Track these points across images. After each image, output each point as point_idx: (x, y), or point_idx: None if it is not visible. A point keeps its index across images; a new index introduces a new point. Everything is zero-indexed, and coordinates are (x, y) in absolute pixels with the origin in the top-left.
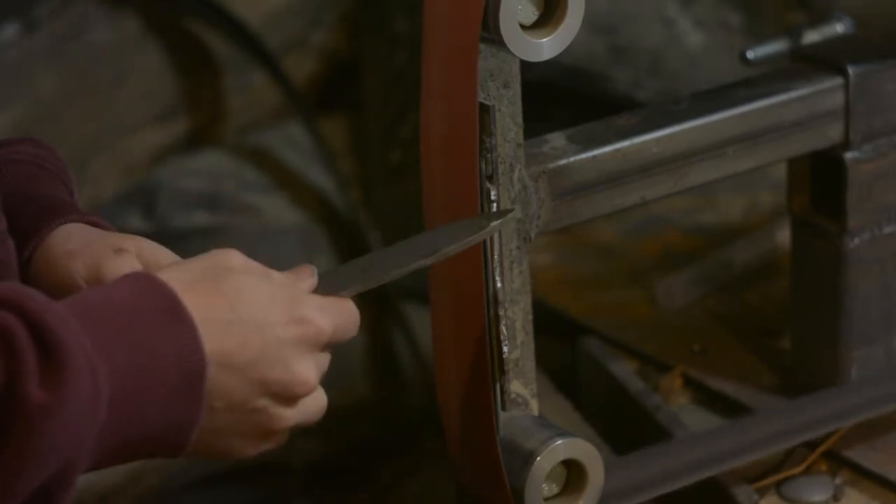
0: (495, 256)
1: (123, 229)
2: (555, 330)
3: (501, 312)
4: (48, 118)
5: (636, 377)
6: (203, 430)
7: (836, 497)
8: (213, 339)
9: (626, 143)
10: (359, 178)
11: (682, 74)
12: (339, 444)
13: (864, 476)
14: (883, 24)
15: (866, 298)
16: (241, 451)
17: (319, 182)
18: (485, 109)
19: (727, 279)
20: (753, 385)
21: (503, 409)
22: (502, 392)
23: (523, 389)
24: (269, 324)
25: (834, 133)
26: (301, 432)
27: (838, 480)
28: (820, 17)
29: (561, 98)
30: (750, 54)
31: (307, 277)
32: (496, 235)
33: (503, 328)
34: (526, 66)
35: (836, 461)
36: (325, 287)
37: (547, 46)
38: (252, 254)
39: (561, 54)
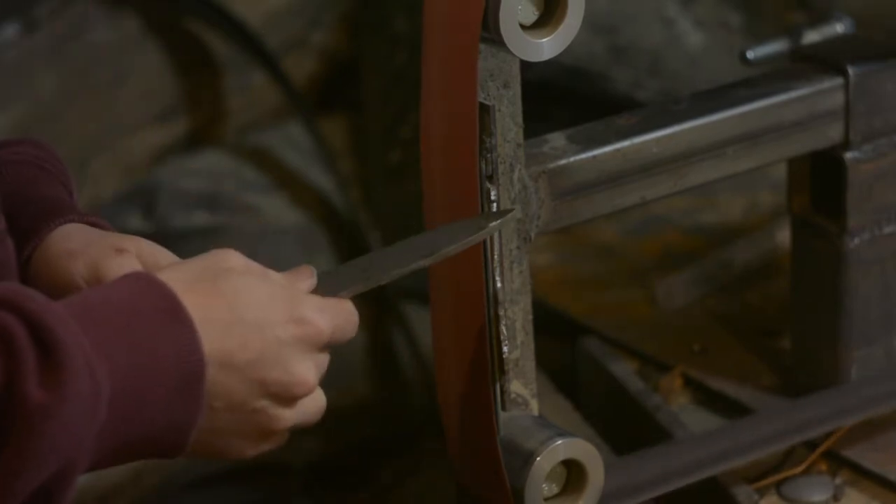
0: (495, 256)
1: (123, 229)
2: (555, 330)
3: (501, 312)
4: (48, 118)
5: (636, 377)
6: (202, 431)
7: (836, 497)
8: (213, 339)
9: (626, 143)
10: (359, 178)
11: (682, 74)
12: (339, 444)
13: (864, 476)
14: (883, 24)
15: (866, 298)
16: (241, 452)
17: (319, 182)
18: (485, 109)
19: (727, 279)
20: (753, 385)
21: (503, 409)
22: (502, 392)
23: (523, 389)
24: (269, 324)
25: (834, 133)
26: (301, 432)
27: (838, 480)
28: (820, 17)
29: (561, 98)
30: (750, 54)
31: (306, 278)
32: (496, 235)
33: (503, 328)
34: (526, 66)
35: (836, 461)
36: (325, 288)
37: (547, 46)
38: (252, 254)
39: (561, 54)
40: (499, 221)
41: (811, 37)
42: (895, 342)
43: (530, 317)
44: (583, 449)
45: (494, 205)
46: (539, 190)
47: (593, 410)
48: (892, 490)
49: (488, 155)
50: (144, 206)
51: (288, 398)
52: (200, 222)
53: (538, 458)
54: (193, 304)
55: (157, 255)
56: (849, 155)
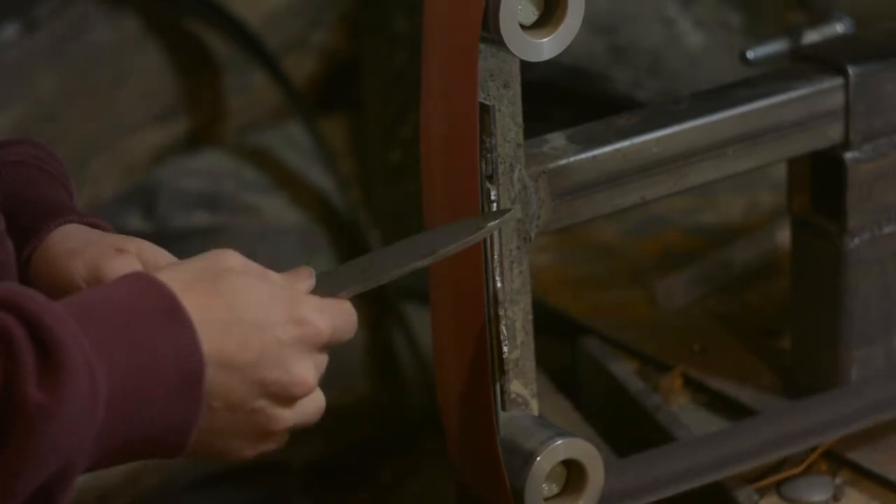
0: (495, 256)
1: (123, 229)
2: (555, 330)
3: (501, 312)
4: (48, 118)
5: (636, 377)
6: (202, 431)
7: (836, 497)
8: (212, 339)
9: (626, 143)
10: (359, 178)
11: (682, 74)
12: (339, 444)
13: (864, 476)
14: (883, 24)
15: (866, 298)
16: (240, 452)
17: (319, 182)
18: (485, 109)
19: (727, 279)
20: (754, 385)
21: (503, 409)
22: (502, 392)
23: (523, 389)
24: (269, 324)
25: (834, 133)
26: (301, 432)
27: (838, 480)
28: (820, 17)
29: (561, 98)
30: (750, 54)
31: (305, 279)
32: (496, 235)
33: (503, 328)
34: (526, 66)
35: (836, 461)
36: (324, 288)
37: (547, 46)
38: (252, 254)
39: (561, 54)
40: (498, 221)
41: (811, 37)
42: (895, 342)
43: (530, 317)
44: (583, 449)
45: (494, 205)
46: (539, 190)
47: (593, 410)
48: (892, 490)
49: (488, 155)
50: (144, 206)
51: (287, 398)
52: (200, 222)
53: (538, 458)
54: (193, 304)
55: (157, 257)
56: (849, 155)
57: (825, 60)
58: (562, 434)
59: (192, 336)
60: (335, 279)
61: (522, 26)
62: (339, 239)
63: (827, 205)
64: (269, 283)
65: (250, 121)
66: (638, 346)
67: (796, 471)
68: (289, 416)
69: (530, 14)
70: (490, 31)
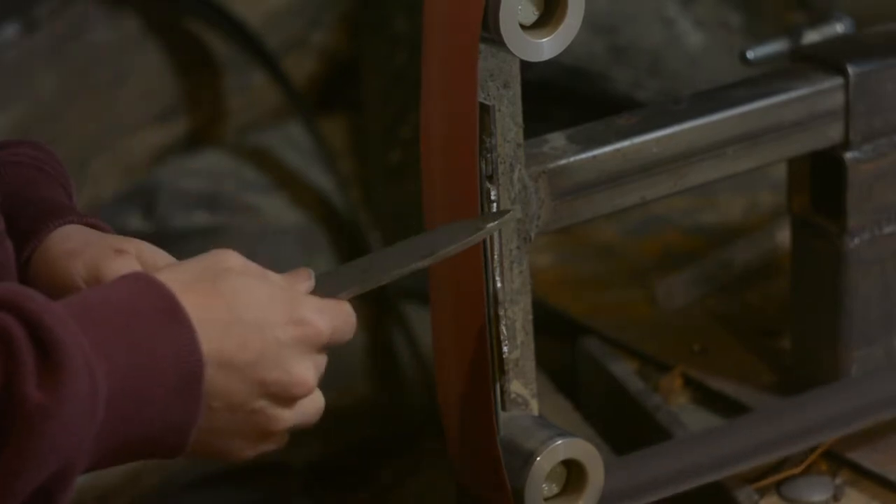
0: (495, 256)
1: (123, 229)
2: (555, 330)
3: (501, 312)
4: (48, 118)
5: (636, 377)
6: (201, 431)
7: (836, 497)
8: (212, 339)
9: (626, 143)
10: (359, 178)
11: (682, 74)
12: (338, 444)
13: (864, 476)
14: (883, 24)
15: (866, 298)
16: (240, 452)
17: (319, 182)
18: (485, 109)
19: (727, 279)
20: (753, 385)
21: (503, 409)
22: (502, 392)
23: (523, 389)
24: (269, 325)
25: (834, 133)
26: (301, 432)
27: (838, 480)
28: (820, 17)
29: (561, 98)
30: (750, 54)
31: (304, 280)
32: (496, 235)
33: (503, 328)
34: (526, 66)
35: (836, 461)
36: (323, 289)
37: (547, 46)
38: (252, 254)
39: (561, 54)
40: (497, 222)
41: (811, 37)
42: (895, 342)
43: (530, 317)
44: (583, 449)
45: (494, 205)
46: (539, 190)
47: (593, 410)
48: (892, 490)
49: (488, 155)
50: (144, 206)
51: (287, 399)
52: (200, 222)
53: (538, 458)
54: (192, 304)
55: (156, 258)
56: (849, 155)
57: (825, 60)
58: (562, 434)
59: (192, 336)
60: (335, 280)
61: (522, 26)
62: (339, 239)
63: (827, 205)
64: (269, 284)
65: (250, 121)
66: (638, 346)
67: (796, 471)
68: (288, 417)
69: (530, 14)
70: (490, 31)
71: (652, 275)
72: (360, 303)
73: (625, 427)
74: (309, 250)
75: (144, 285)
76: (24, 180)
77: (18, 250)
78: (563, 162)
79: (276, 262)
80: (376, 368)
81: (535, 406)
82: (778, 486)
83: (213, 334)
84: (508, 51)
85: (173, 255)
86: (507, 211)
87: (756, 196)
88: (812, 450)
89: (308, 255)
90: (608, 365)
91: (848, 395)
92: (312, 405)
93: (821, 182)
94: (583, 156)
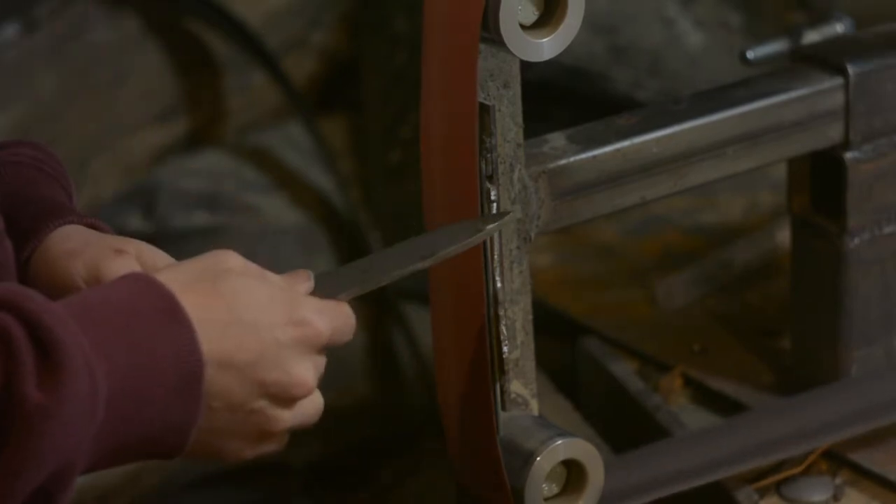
0: (495, 257)
1: (123, 229)
2: (555, 330)
3: (501, 312)
4: (48, 118)
5: (636, 377)
6: (201, 431)
7: (836, 497)
8: (212, 339)
9: (626, 143)
10: (359, 178)
11: (682, 74)
12: (338, 444)
13: (864, 476)
14: (883, 24)
15: (866, 298)
16: (239, 453)
17: (319, 182)
18: (485, 109)
19: (727, 279)
20: (753, 385)
21: (503, 409)
22: (502, 392)
23: (523, 389)
24: (268, 325)
25: (834, 133)
26: (301, 432)
27: (838, 480)
28: (820, 17)
29: (561, 98)
30: (750, 54)
31: (304, 281)
32: (496, 235)
33: (503, 328)
34: (526, 66)
35: (836, 461)
36: (323, 290)
37: (547, 46)
38: (252, 254)
39: (561, 54)
40: (497, 224)
41: (811, 37)
42: (895, 342)
43: (530, 317)
44: (583, 449)
45: (494, 205)
46: (539, 190)
47: (593, 410)
48: (892, 490)
49: (488, 155)
50: (144, 206)
51: (287, 399)
52: (200, 222)
53: (538, 458)
54: (192, 304)
55: (155, 259)
56: (849, 155)
57: (825, 60)
58: (562, 434)
59: (192, 336)
60: (334, 281)
61: (522, 26)
62: (339, 239)
63: (827, 205)
64: (269, 284)
65: (250, 121)
66: (638, 346)
67: (796, 471)
68: (288, 417)
69: (530, 14)
70: (490, 31)
71: (652, 275)
72: (359, 303)
73: (625, 427)
74: (309, 250)
75: (144, 285)
76: (24, 180)
77: (18, 250)
78: (563, 162)
79: (276, 263)
80: (376, 368)
81: (535, 406)
82: (778, 486)
83: (212, 334)
84: (508, 51)
85: (173, 256)
86: (507, 212)
87: (756, 196)
88: (812, 450)
89: (308, 256)
90: (608, 365)
91: (849, 396)
92: (312, 406)
93: (821, 182)
94: (583, 156)
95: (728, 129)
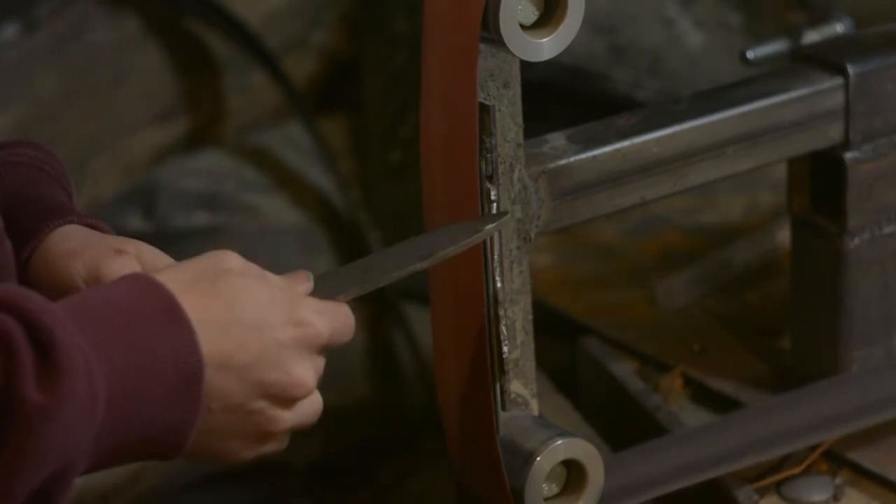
0: (495, 256)
1: (123, 229)
2: (555, 330)
3: (501, 312)
4: (48, 118)
5: (636, 377)
6: (201, 432)
7: (836, 497)
8: (211, 340)
9: (626, 143)
10: (359, 178)
11: (682, 74)
12: (338, 444)
13: (864, 476)
14: (883, 24)
15: (866, 298)
16: (239, 453)
17: (319, 182)
18: (485, 109)
19: (727, 279)
20: (753, 385)
21: (503, 409)
22: (502, 392)
23: (523, 389)
24: (268, 325)
25: (834, 133)
26: (301, 432)
27: (838, 480)
28: (820, 17)
29: (561, 98)
30: (750, 54)
31: (303, 282)
32: (496, 235)
33: (503, 328)
34: (526, 66)
35: (836, 461)
36: (322, 290)
37: (547, 46)
38: (252, 254)
39: (561, 54)
40: (496, 224)
41: (811, 37)
42: (895, 342)
43: (530, 317)
44: (583, 449)
45: (494, 205)
46: (539, 190)
47: (593, 410)
48: (892, 490)
49: (488, 155)
50: (144, 206)
51: (286, 400)
52: (200, 222)
53: (538, 458)
54: (192, 304)
55: (155, 259)
56: (849, 155)
57: (825, 60)
58: (562, 434)
59: (191, 337)
60: (334, 281)
61: (522, 26)
62: (339, 239)
63: (827, 205)
64: (269, 285)
65: (250, 121)
66: (638, 346)
67: (796, 471)
68: (288, 418)
69: (530, 14)
70: (490, 31)
71: (652, 275)
72: (359, 303)
73: (625, 427)
74: (309, 250)
75: (144, 286)
76: (24, 180)
77: (18, 250)
78: (563, 162)
79: (276, 263)
80: (376, 368)
81: (535, 406)
82: (778, 486)
83: (212, 335)
84: (508, 51)
85: (173, 256)
86: (506, 212)
87: (756, 196)
88: (812, 449)
89: (308, 256)
90: (608, 365)
91: (847, 392)
92: (311, 406)
93: (821, 182)
94: (583, 156)
95: (728, 129)
